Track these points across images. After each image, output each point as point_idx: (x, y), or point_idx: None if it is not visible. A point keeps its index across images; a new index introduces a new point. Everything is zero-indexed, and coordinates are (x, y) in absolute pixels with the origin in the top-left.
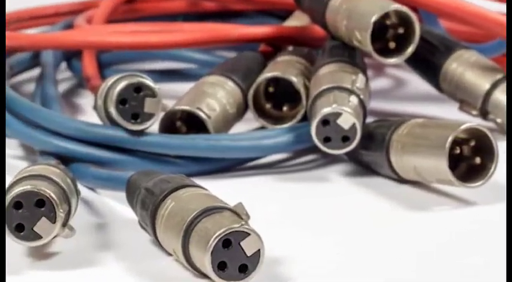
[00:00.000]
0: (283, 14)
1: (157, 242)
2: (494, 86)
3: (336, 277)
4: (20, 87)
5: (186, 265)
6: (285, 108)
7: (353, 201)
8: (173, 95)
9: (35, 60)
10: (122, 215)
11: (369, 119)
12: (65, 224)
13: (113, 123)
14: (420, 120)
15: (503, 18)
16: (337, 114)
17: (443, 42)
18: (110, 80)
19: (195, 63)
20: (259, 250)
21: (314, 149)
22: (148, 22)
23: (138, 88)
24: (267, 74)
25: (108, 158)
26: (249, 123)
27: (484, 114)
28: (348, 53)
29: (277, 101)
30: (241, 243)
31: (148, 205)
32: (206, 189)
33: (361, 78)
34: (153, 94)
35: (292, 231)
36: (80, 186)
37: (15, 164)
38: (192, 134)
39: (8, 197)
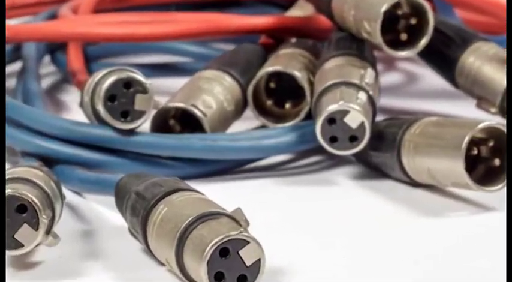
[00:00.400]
0: (285, 3)
1: (148, 250)
2: None
3: None
4: None
5: (180, 276)
6: (287, 106)
7: (361, 206)
8: (166, 91)
9: (16, 53)
10: (110, 221)
11: (379, 117)
12: (48, 231)
13: (101, 121)
14: (434, 119)
15: None
16: (344, 112)
17: (459, 33)
18: (98, 75)
19: (190, 57)
20: (259, 259)
21: (319, 150)
22: (138, 12)
23: (128, 84)
24: (268, 68)
25: (96, 159)
26: (248, 121)
27: (503, 111)
28: (356, 46)
29: (279, 97)
30: (240, 252)
31: (139, 211)
32: (202, 194)
33: (370, 72)
34: (144, 90)
35: (294, 239)
36: (64, 190)
37: None
38: (187, 134)
39: None
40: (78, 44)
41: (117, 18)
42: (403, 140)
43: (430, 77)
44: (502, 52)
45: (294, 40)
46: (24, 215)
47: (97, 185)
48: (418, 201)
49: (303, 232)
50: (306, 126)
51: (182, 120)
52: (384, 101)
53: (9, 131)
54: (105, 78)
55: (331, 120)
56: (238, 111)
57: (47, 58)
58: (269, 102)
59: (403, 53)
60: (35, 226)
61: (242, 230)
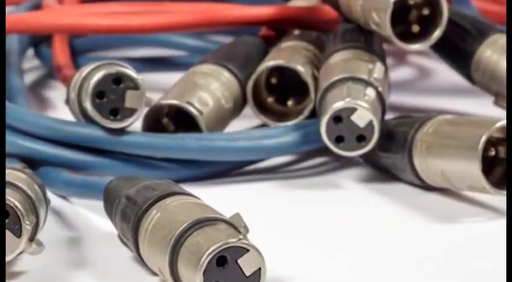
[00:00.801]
0: None
1: (140, 259)
2: None
3: None
4: None
5: None
6: (289, 103)
7: (369, 211)
8: (159, 87)
9: None
10: (98, 227)
11: (389, 115)
12: (32, 239)
13: (89, 120)
14: (448, 117)
15: None
16: (352, 110)
17: (475, 25)
18: (85, 70)
19: (185, 50)
20: (259, 269)
21: (324, 151)
22: (129, 2)
23: (118, 79)
24: (269, 63)
25: (83, 160)
26: (247, 120)
27: None
28: (363, 38)
29: (281, 94)
30: (239, 261)
31: (129, 216)
32: (198, 198)
33: (379, 67)
34: (135, 86)
35: (297, 246)
36: (49, 194)
37: None
38: (181, 133)
39: None
40: (64, 37)
41: (106, 8)
42: (414, 139)
43: (444, 72)
44: None
45: (297, 32)
46: (6, 221)
47: (84, 189)
48: (430, 206)
49: (306, 239)
50: (310, 125)
51: (176, 119)
52: (394, 98)
53: None
54: (93, 73)
55: (337, 118)
56: (236, 109)
57: (30, 51)
58: (270, 99)
59: (414, 46)
60: (18, 233)
61: (241, 237)
